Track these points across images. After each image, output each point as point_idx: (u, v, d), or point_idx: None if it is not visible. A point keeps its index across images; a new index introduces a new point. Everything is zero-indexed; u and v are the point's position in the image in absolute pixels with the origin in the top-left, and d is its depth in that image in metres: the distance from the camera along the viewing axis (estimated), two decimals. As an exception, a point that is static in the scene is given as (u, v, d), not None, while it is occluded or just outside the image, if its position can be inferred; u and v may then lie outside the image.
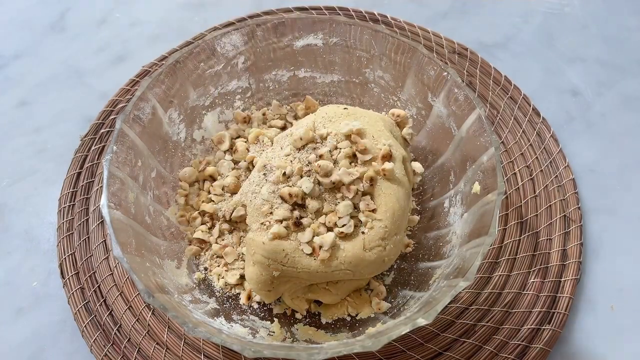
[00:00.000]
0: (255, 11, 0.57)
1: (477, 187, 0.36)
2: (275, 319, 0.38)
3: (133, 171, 0.37)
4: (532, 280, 0.41)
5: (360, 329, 0.36)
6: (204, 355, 0.38)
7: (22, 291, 0.42)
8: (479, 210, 0.35)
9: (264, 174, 0.36)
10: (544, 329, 0.39)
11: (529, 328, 0.39)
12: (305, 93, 0.46)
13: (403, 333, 0.29)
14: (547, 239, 0.43)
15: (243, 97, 0.45)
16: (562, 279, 0.41)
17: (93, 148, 0.48)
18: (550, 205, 0.45)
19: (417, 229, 0.42)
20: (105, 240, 0.43)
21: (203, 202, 0.41)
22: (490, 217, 0.33)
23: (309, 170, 0.35)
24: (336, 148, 0.36)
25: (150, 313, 0.40)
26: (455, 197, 0.39)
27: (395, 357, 0.38)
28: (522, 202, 0.45)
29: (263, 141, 0.43)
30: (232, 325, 0.35)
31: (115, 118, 0.49)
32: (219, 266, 0.40)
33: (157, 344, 0.38)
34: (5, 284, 0.42)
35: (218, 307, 0.37)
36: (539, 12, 0.60)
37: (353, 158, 0.36)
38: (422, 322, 0.30)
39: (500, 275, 0.41)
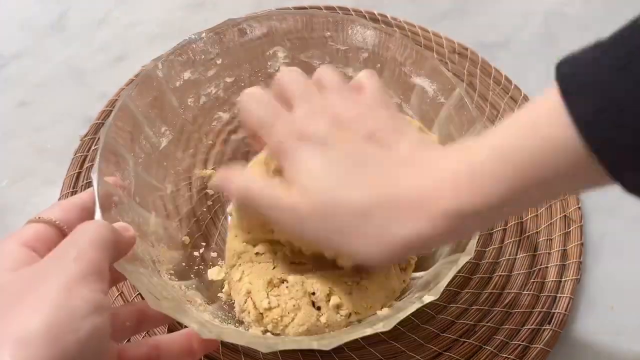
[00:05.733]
0: (255, 10, 0.57)
1: None
2: None
3: (133, 145, 0.37)
4: (532, 280, 0.41)
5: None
6: (204, 356, 0.38)
7: (22, 291, 0.42)
8: None
9: None
10: (544, 329, 0.39)
11: (529, 328, 0.39)
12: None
13: (354, 338, 0.29)
14: (547, 239, 0.43)
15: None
16: (563, 279, 0.41)
17: (93, 148, 0.48)
18: (550, 206, 0.44)
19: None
20: (105, 241, 0.43)
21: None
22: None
23: None
24: None
25: (150, 313, 0.39)
26: None
27: (396, 357, 0.38)
28: (523, 202, 0.45)
29: None
30: (207, 306, 0.35)
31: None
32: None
33: (157, 344, 0.38)
34: (5, 284, 0.42)
35: (200, 284, 0.37)
36: (540, 12, 0.60)
37: None
38: (380, 327, 0.29)
39: (501, 275, 0.41)
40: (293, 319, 0.33)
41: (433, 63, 0.39)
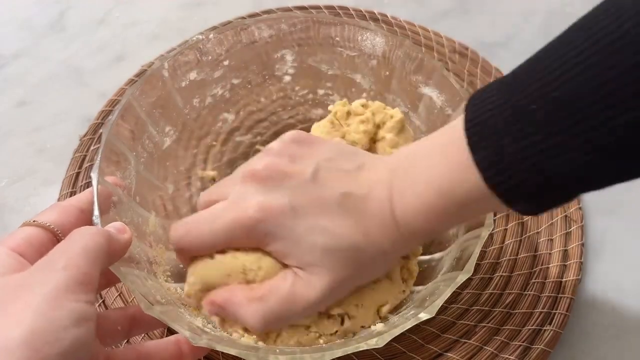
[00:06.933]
0: (255, 10, 0.57)
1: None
2: None
3: (135, 144, 0.37)
4: (533, 280, 0.41)
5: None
6: (204, 357, 0.38)
7: (21, 292, 0.42)
8: (462, 244, 0.34)
9: None
10: (545, 329, 0.39)
11: (529, 329, 0.39)
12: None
13: (348, 352, 0.29)
14: (548, 239, 0.43)
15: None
16: (564, 280, 0.41)
17: (92, 148, 0.48)
18: (551, 206, 0.44)
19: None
20: (104, 241, 0.43)
21: None
22: (471, 252, 0.32)
23: None
24: None
25: (149, 314, 0.39)
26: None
27: (396, 358, 0.38)
28: (523, 202, 0.45)
29: None
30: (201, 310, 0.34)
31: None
32: None
33: (157, 345, 0.38)
34: (4, 284, 0.42)
35: None
36: (540, 12, 0.59)
37: None
38: (373, 344, 0.29)
39: (501, 275, 0.41)
40: (280, 333, 0.32)
41: (442, 74, 0.38)
